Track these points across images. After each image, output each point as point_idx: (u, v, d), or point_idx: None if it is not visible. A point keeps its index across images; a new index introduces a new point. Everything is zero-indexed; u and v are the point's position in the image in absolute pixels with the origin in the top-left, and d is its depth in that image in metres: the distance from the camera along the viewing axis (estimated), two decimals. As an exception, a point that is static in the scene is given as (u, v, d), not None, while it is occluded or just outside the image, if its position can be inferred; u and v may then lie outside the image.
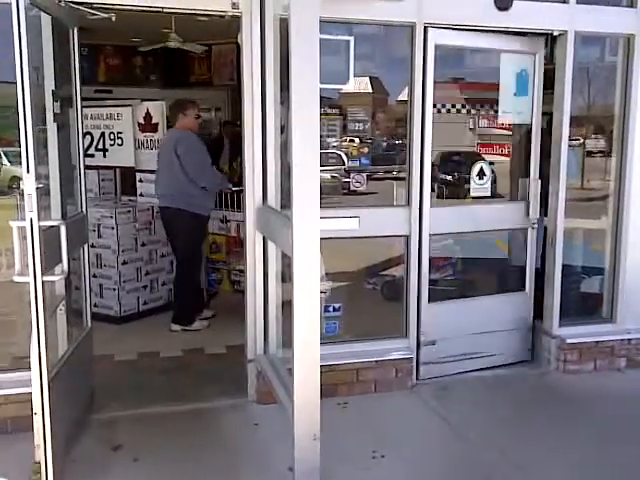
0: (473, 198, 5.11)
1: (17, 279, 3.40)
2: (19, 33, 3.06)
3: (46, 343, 3.19)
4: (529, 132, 5.14)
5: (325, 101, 4.91)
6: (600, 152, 5.78)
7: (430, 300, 4.85)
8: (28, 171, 3.12)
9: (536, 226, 5.15)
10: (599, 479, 3.65)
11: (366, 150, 5.15)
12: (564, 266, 5.14)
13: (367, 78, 5.67)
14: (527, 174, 5.14)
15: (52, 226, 3.36)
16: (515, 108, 5.11)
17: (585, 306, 5.61)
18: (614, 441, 4.04)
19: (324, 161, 4.93)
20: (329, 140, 5.08)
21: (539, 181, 5.08)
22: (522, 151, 5.29)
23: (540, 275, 5.23)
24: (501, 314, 5.15)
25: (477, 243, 5.47)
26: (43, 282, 3.17)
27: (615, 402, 4.61)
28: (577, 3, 4.84)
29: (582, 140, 6.11)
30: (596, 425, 4.26)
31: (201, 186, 5.86)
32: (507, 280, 5.53)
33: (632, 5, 5.00)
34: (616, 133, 5.25)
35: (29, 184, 3.12)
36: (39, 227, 3.13)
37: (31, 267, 3.14)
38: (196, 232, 6.01)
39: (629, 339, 5.21)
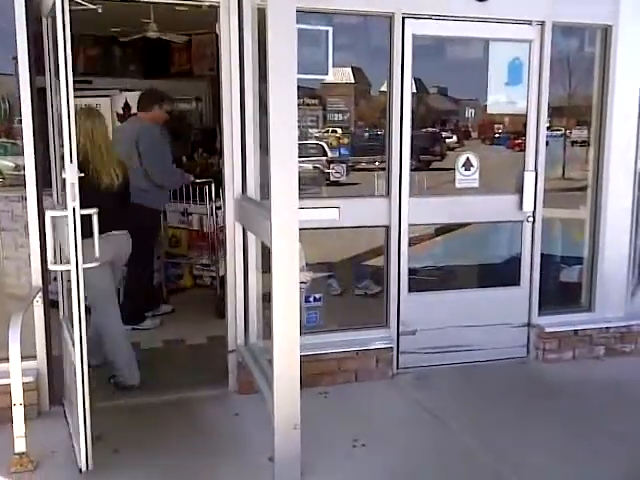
0: (458, 189, 5.06)
1: (53, 267, 3.45)
2: (63, 25, 3.10)
3: (86, 334, 3.26)
4: (524, 122, 5.09)
5: (306, 91, 4.90)
6: (581, 143, 5.83)
7: (411, 290, 4.88)
8: (71, 161, 3.13)
9: (531, 219, 5.08)
10: (574, 462, 3.70)
11: (346, 141, 5.15)
12: (543, 256, 5.18)
13: (349, 69, 5.67)
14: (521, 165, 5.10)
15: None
16: (507, 98, 5.12)
17: (564, 295, 5.67)
18: (588, 427, 4.10)
19: (305, 151, 4.93)
20: (311, 131, 5.07)
21: (534, 173, 5.04)
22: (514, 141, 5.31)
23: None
24: (490, 308, 5.13)
25: (469, 237, 5.49)
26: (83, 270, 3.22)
27: (591, 389, 4.66)
28: (555, -6, 4.87)
29: (563, 130, 6.17)
30: (572, 412, 4.30)
31: (158, 185, 5.73)
32: (499, 274, 5.53)
33: (610, -4, 5.03)
34: (594, 124, 5.30)
35: (72, 174, 3.13)
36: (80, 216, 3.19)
37: (73, 256, 3.17)
38: (149, 228, 5.84)
39: (607, 327, 5.27)
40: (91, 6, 4.14)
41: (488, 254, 5.65)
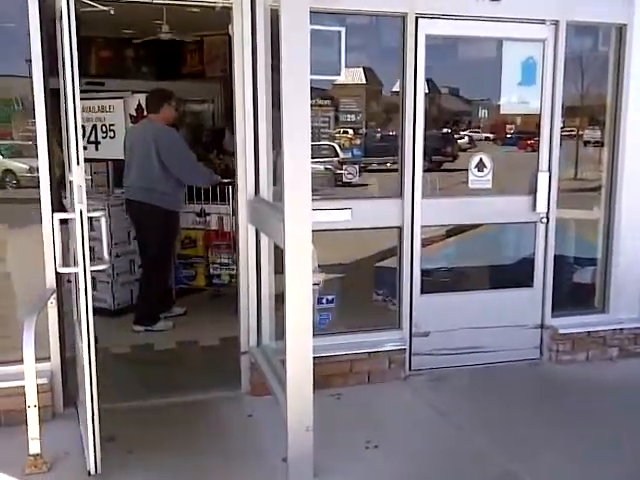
0: (472, 190, 5.04)
1: (62, 270, 3.45)
2: (69, 25, 3.08)
3: (95, 337, 3.24)
4: (538, 122, 5.06)
5: (319, 92, 4.89)
6: (594, 143, 5.79)
7: (423, 292, 4.87)
8: (78, 163, 3.15)
9: (545, 220, 5.05)
10: (587, 462, 3.68)
11: (358, 142, 5.14)
12: (557, 257, 5.15)
13: (361, 69, 5.65)
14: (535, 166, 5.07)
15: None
16: (520, 98, 5.10)
17: (578, 296, 5.63)
18: (601, 428, 4.07)
19: (317, 153, 4.92)
20: (323, 132, 5.06)
21: (548, 173, 5.01)
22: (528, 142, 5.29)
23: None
24: (503, 309, 5.09)
25: (482, 238, 5.46)
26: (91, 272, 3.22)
27: (604, 391, 4.63)
28: (569, -7, 4.84)
29: (576, 131, 6.13)
30: (585, 413, 4.28)
31: (190, 185, 5.83)
32: (512, 275, 5.50)
33: (624, -5, 5.00)
34: (608, 124, 5.26)
35: (79, 176, 3.14)
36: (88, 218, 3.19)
37: (80, 257, 3.17)
38: (169, 230, 5.88)
39: (621, 329, 5.23)
40: (102, 7, 4.14)
41: (501, 255, 5.62)
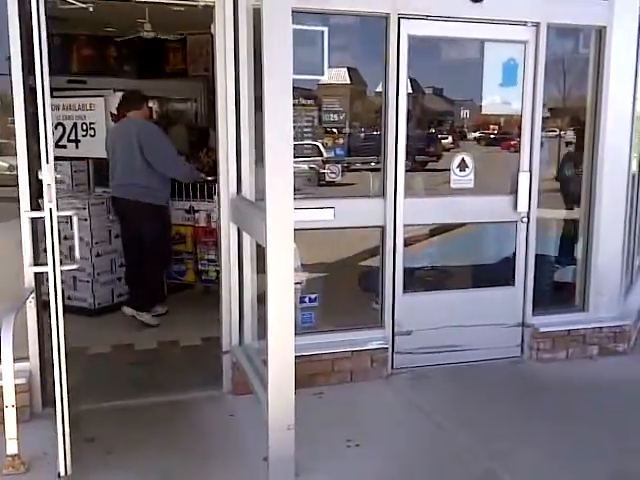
0: (454, 189, 5.07)
1: (31, 269, 3.40)
2: (38, 23, 3.02)
3: (65, 336, 3.20)
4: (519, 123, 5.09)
5: (302, 92, 4.89)
6: (575, 143, 5.83)
7: (406, 290, 4.89)
8: (47, 161, 3.09)
9: (526, 220, 5.09)
10: (566, 460, 3.71)
11: (342, 141, 5.14)
12: (537, 256, 5.19)
13: (345, 69, 5.66)
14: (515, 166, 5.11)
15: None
16: (501, 99, 5.14)
17: (558, 295, 5.68)
18: (580, 425, 4.11)
19: (301, 152, 4.92)
20: (306, 131, 5.06)
21: (528, 174, 5.04)
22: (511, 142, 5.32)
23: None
24: (485, 308, 5.13)
25: (464, 237, 5.50)
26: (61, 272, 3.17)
27: (585, 389, 4.68)
28: (550, -5, 4.88)
29: (558, 131, 6.17)
30: (565, 411, 4.32)
31: (171, 178, 5.85)
32: (494, 274, 5.53)
33: (604, -3, 5.05)
34: (588, 125, 5.30)
35: (48, 174, 3.10)
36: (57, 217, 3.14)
37: (50, 257, 3.13)
38: (163, 224, 5.98)
39: (600, 327, 5.29)
40: (81, 5, 4.11)
41: (483, 254, 5.66)
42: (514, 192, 5.04)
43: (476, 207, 5.10)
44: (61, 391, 3.22)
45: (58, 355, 3.17)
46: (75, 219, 3.38)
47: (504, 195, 5.10)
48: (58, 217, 3.24)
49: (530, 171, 5.02)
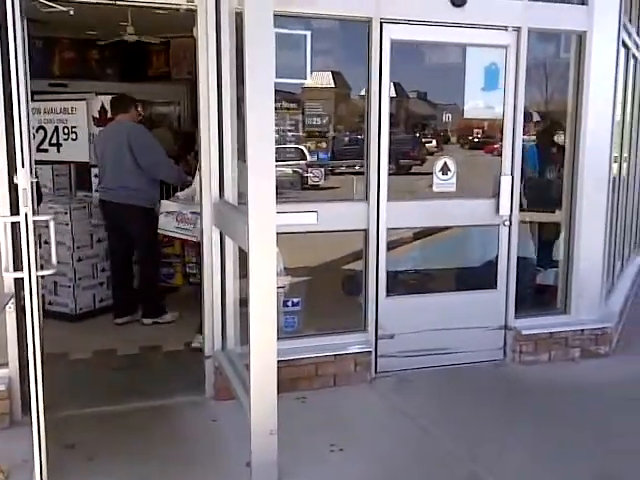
0: (437, 193, 5.09)
1: (8, 275, 3.34)
2: (14, 26, 2.97)
3: (41, 341, 3.14)
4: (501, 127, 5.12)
5: (286, 95, 4.89)
6: (557, 147, 5.87)
7: (389, 294, 4.89)
8: (23, 165, 3.03)
9: (508, 223, 5.11)
10: (549, 462, 3.73)
11: (325, 145, 5.15)
12: (519, 259, 5.22)
13: (329, 73, 5.67)
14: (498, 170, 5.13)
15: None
16: (483, 103, 5.17)
17: (540, 298, 5.71)
18: (563, 427, 4.13)
19: (284, 156, 4.92)
20: (290, 135, 5.06)
21: (510, 177, 5.06)
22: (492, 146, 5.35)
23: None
24: (468, 311, 5.14)
25: (446, 241, 5.51)
26: (37, 277, 3.11)
27: (566, 391, 4.71)
28: (531, 0, 4.90)
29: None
30: (547, 413, 4.34)
31: (160, 179, 5.87)
32: (476, 277, 5.57)
33: (584, 3, 5.09)
34: (569, 129, 5.35)
35: (24, 178, 3.03)
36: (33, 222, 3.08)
37: (25, 263, 3.06)
38: (152, 227, 5.90)
39: (582, 330, 5.32)
40: (61, 8, 4.07)
41: (465, 258, 5.68)
42: (496, 195, 5.06)
43: (458, 210, 5.11)
44: (37, 399, 3.15)
45: (34, 362, 3.11)
46: (52, 224, 3.32)
47: (486, 199, 5.12)
48: (36, 222, 3.20)
49: (512, 174, 5.05)
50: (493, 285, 5.21)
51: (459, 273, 5.65)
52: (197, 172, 4.89)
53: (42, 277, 3.26)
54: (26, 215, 3.03)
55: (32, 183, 3.09)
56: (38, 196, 5.39)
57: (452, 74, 5.30)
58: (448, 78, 5.38)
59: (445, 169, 5.05)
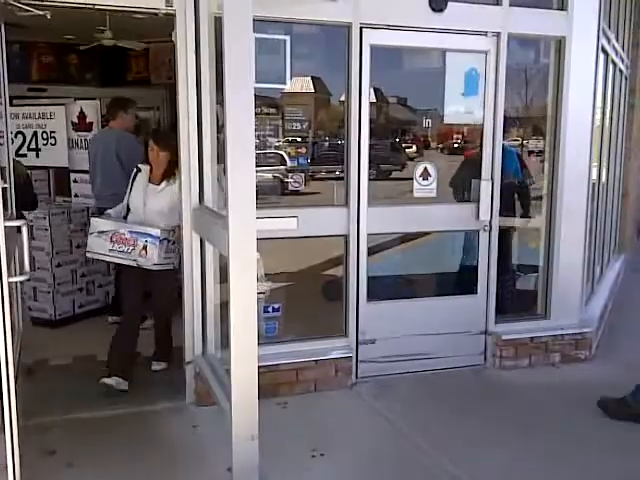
0: (417, 198, 5.10)
1: None
2: None
3: (13, 347, 3.03)
4: (481, 132, 5.15)
5: (265, 100, 4.89)
6: (537, 153, 5.91)
7: (369, 299, 4.89)
8: None
9: (488, 228, 5.13)
10: (529, 467, 3.73)
11: (304, 150, 5.14)
12: (500, 264, 5.24)
13: (309, 78, 5.67)
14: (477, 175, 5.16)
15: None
16: (463, 108, 5.20)
17: (520, 303, 5.74)
18: (542, 432, 4.15)
19: (264, 161, 4.92)
20: (270, 140, 5.05)
21: (490, 182, 5.07)
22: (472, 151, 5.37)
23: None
24: (448, 316, 5.15)
25: (427, 246, 5.55)
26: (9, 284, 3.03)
27: (546, 396, 4.73)
28: (510, 5, 4.93)
29: (520, 140, 6.24)
30: (527, 418, 4.36)
31: None
32: (455, 283, 5.60)
33: (563, 8, 5.13)
34: (549, 134, 5.38)
35: None
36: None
37: None
38: None
39: (562, 335, 5.34)
40: (38, 12, 4.04)
41: (445, 263, 5.70)
42: (476, 201, 5.08)
43: (439, 216, 5.13)
44: (9, 410, 3.09)
45: (7, 370, 3.05)
46: (24, 229, 3.26)
47: (466, 203, 5.15)
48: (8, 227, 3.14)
49: (492, 179, 5.07)
50: (474, 290, 5.23)
51: (439, 278, 5.67)
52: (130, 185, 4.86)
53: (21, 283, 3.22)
54: None
55: (3, 189, 3.04)
56: (33, 202, 5.34)
57: (432, 79, 5.32)
58: (428, 83, 5.41)
59: (425, 174, 5.06)
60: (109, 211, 4.94)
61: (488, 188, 5.07)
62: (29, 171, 5.97)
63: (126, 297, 4.92)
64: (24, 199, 5.05)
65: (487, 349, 5.24)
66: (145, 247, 4.50)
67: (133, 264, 4.57)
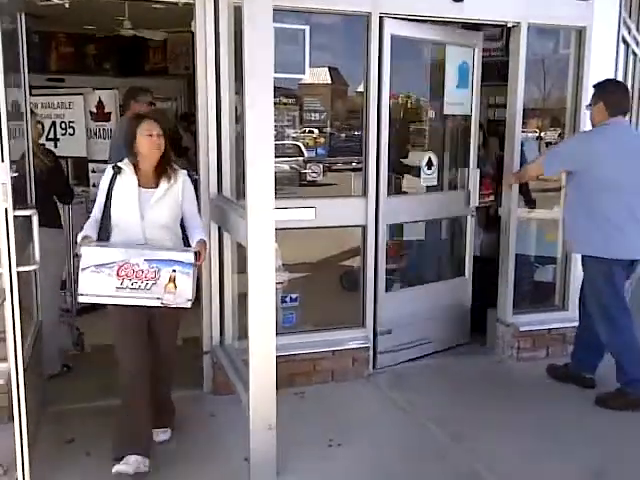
0: (425, 188, 5.18)
1: None
2: None
3: (22, 336, 3.09)
4: (470, 123, 5.21)
5: (283, 91, 4.87)
6: (555, 143, 5.86)
7: (388, 289, 4.90)
8: (2, 159, 2.98)
9: (474, 214, 5.25)
10: (546, 459, 3.72)
11: (322, 141, 5.14)
12: (518, 255, 5.22)
13: (326, 69, 5.66)
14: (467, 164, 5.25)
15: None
16: (458, 100, 5.19)
17: (538, 294, 5.71)
18: (559, 424, 4.13)
19: (282, 151, 4.92)
20: (287, 131, 5.05)
21: (478, 170, 5.16)
22: (463, 142, 5.37)
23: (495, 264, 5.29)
24: (445, 299, 5.25)
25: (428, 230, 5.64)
26: (18, 273, 3.06)
27: (563, 388, 4.69)
28: (530, -5, 4.90)
29: (538, 132, 6.20)
30: (544, 409, 4.34)
31: None
32: (450, 266, 5.66)
33: (584, -2, 5.07)
34: (568, 125, 5.33)
35: (3, 172, 2.98)
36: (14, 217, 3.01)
37: (5, 258, 3.02)
38: None
39: (580, 326, 5.30)
40: (57, 1, 4.06)
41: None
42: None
43: (441, 203, 5.23)
44: (19, 402, 3.12)
45: (15, 360, 3.07)
46: (35, 219, 3.26)
47: (461, 191, 5.27)
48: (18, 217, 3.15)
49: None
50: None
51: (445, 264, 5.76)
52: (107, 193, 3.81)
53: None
54: (6, 210, 2.99)
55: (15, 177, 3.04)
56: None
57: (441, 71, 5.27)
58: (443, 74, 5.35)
59: (429, 164, 5.09)
60: (88, 232, 3.57)
61: (476, 176, 5.20)
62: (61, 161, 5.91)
63: (126, 355, 3.57)
64: (49, 189, 4.70)
65: (504, 340, 5.22)
66: (173, 279, 3.33)
67: (155, 304, 3.38)
